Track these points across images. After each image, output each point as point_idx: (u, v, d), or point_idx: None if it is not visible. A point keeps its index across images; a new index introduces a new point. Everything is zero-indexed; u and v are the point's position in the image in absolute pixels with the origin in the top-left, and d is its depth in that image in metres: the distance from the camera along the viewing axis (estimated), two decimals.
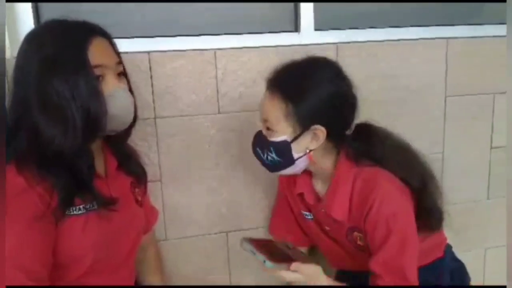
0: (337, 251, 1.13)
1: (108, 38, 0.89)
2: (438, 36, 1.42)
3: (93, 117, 0.81)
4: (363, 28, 1.38)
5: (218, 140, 1.30)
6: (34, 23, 1.18)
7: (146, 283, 1.18)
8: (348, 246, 1.08)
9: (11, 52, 1.13)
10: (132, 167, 1.03)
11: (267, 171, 1.32)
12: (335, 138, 0.99)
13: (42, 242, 0.78)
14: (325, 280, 0.95)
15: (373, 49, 1.35)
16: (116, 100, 0.86)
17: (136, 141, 1.22)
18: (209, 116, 1.28)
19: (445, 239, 1.21)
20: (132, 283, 1.06)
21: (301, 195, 1.11)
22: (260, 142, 1.01)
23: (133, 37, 1.21)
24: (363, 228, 0.98)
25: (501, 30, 1.46)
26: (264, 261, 0.89)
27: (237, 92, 1.29)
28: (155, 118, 1.24)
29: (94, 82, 0.81)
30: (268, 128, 0.97)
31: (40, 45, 0.81)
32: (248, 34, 1.30)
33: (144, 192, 1.10)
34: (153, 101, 1.23)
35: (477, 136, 1.51)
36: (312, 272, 0.92)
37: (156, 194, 1.27)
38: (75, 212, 0.83)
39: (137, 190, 1.04)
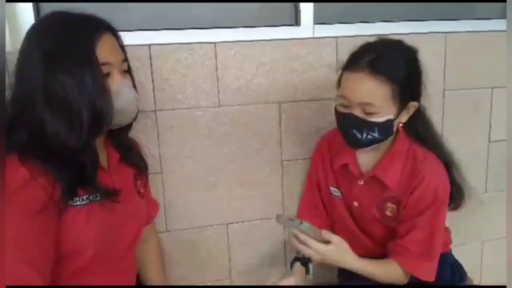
0: (355, 234, 1.18)
1: (116, 34, 0.90)
2: (437, 30, 1.43)
3: (100, 113, 0.82)
4: (363, 22, 1.39)
5: (218, 132, 1.31)
6: (34, 13, 1.18)
7: (147, 275, 1.18)
8: (372, 221, 1.13)
9: (11, 44, 1.13)
10: (134, 159, 1.04)
11: (266, 164, 1.34)
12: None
13: (44, 234, 0.77)
14: (352, 257, 1.03)
15: None
16: (121, 96, 0.87)
17: (136, 133, 1.23)
18: (209, 108, 1.28)
19: (451, 240, 1.27)
20: (134, 275, 1.07)
21: (344, 166, 1.16)
22: (358, 124, 1.00)
23: (133, 30, 1.22)
24: (402, 200, 1.07)
25: (499, 24, 1.47)
26: (301, 223, 0.97)
27: (237, 85, 1.29)
28: (155, 110, 1.25)
29: (101, 79, 0.82)
30: (368, 111, 0.98)
31: (46, 37, 0.81)
32: (248, 27, 1.30)
33: (145, 184, 1.11)
34: (153, 94, 1.24)
35: (475, 130, 1.52)
36: (342, 247, 1.02)
37: (156, 186, 1.28)
38: (78, 203, 0.84)
39: (139, 182, 1.05)
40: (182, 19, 1.28)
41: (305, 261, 1.15)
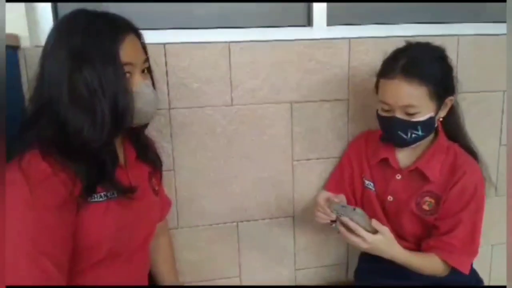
0: (386, 221, 1.20)
1: (139, 34, 0.91)
2: (449, 33, 1.43)
3: (121, 113, 0.83)
4: (376, 23, 1.39)
5: (230, 131, 1.32)
6: (52, 10, 1.20)
7: (158, 271, 1.20)
8: (405, 215, 1.16)
9: (30, 40, 1.15)
10: (150, 157, 1.06)
11: (278, 163, 1.35)
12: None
13: (63, 229, 0.78)
14: (397, 248, 1.06)
15: (385, 45, 1.34)
16: (142, 96, 0.88)
17: (150, 131, 1.24)
18: (222, 107, 1.30)
19: None
20: (147, 270, 1.08)
21: (382, 160, 1.21)
22: (402, 125, 1.07)
23: (149, 29, 1.21)
24: (441, 194, 1.11)
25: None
26: (354, 209, 0.99)
27: (250, 85, 1.30)
28: (169, 109, 1.26)
29: (123, 79, 0.84)
30: (409, 112, 1.05)
31: (73, 35, 0.81)
32: (261, 27, 1.31)
33: (159, 181, 1.12)
34: (168, 92, 1.25)
35: (486, 133, 1.52)
36: (389, 237, 1.03)
37: (169, 183, 1.29)
38: (96, 199, 0.85)
39: (153, 180, 1.06)
40: (196, 19, 1.29)
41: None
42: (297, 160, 1.39)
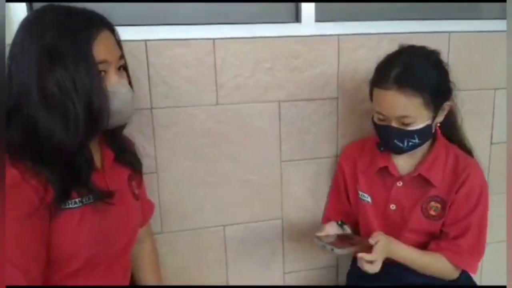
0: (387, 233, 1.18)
1: (113, 30, 0.87)
2: (440, 30, 1.40)
3: (96, 114, 0.80)
4: (365, 20, 1.36)
5: (215, 131, 1.27)
6: (28, 8, 1.14)
7: (141, 278, 1.15)
8: (412, 220, 1.14)
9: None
10: (128, 158, 1.01)
11: (265, 164, 1.31)
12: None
13: (35, 238, 0.76)
14: (403, 246, 1.09)
15: (375, 42, 1.33)
16: (118, 96, 0.85)
17: (131, 132, 1.19)
18: (207, 107, 1.25)
19: None
20: (127, 279, 1.04)
21: (381, 169, 1.18)
22: (398, 135, 1.06)
23: (129, 25, 1.17)
24: (446, 198, 1.11)
25: (503, 25, 1.45)
26: (332, 250, 1.01)
27: (236, 83, 1.26)
28: (151, 108, 1.22)
29: (97, 78, 0.80)
30: (405, 122, 1.03)
31: (42, 33, 0.77)
32: (248, 24, 1.27)
33: (140, 184, 1.08)
34: (149, 91, 1.20)
35: (477, 131, 1.50)
36: (387, 238, 1.06)
37: (151, 186, 1.25)
38: (71, 206, 0.81)
39: (133, 183, 1.02)
40: (180, 14, 1.24)
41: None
42: (285, 161, 1.35)
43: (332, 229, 1.13)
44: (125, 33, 1.14)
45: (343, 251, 1.02)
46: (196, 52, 1.21)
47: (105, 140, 0.96)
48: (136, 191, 1.02)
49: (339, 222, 1.20)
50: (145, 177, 1.21)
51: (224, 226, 1.35)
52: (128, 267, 1.03)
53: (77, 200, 0.82)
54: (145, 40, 1.17)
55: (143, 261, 1.16)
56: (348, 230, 1.19)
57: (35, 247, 0.75)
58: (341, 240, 1.08)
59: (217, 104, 1.26)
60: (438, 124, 1.11)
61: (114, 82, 0.84)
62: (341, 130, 1.38)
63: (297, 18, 1.31)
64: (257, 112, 1.29)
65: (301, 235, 1.42)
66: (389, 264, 1.13)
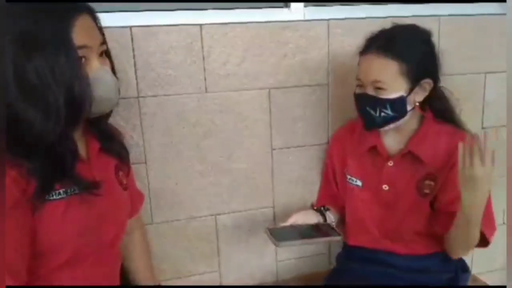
0: (374, 220, 1.18)
1: (93, 15, 0.83)
2: (430, 13, 1.38)
3: (78, 100, 0.77)
4: (355, 4, 1.34)
5: (204, 120, 1.25)
6: None
7: (132, 268, 1.14)
8: (406, 200, 1.13)
9: None
10: (115, 148, 0.98)
11: (256, 152, 1.30)
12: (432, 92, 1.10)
13: (18, 231, 0.74)
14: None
15: (365, 26, 1.29)
16: (101, 82, 0.82)
17: (119, 121, 1.17)
18: (195, 95, 1.23)
19: None
20: (117, 270, 1.02)
21: (371, 149, 1.17)
22: (371, 102, 1.05)
23: (114, 11, 1.14)
24: (439, 175, 1.09)
25: (494, 8, 1.44)
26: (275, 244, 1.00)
27: (225, 70, 1.24)
28: (138, 97, 1.19)
29: (78, 64, 0.77)
30: (379, 88, 1.03)
31: (17, 19, 0.74)
32: (236, 9, 1.24)
33: (128, 174, 1.06)
34: (136, 80, 1.18)
35: (467, 116, 1.48)
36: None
37: (141, 176, 1.23)
38: (54, 197, 0.79)
39: (121, 173, 1.00)
40: None
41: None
42: (276, 149, 1.34)
43: (303, 217, 1.11)
44: (109, 19, 1.10)
45: (286, 244, 1.01)
46: (183, 38, 1.19)
47: (90, 129, 0.93)
48: (124, 181, 1.00)
49: (322, 208, 1.19)
50: (134, 167, 1.19)
51: (215, 215, 1.33)
52: (118, 258, 1.02)
53: (61, 191, 0.80)
54: (130, 27, 1.14)
55: (134, 251, 1.14)
56: (330, 216, 1.18)
57: (18, 241, 0.74)
58: (305, 230, 1.06)
59: (206, 92, 1.24)
60: (417, 103, 1.08)
61: (96, 68, 0.81)
62: (332, 116, 1.36)
63: (286, 3, 1.28)
64: (247, 99, 1.27)
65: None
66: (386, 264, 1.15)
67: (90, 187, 0.84)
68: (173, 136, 1.24)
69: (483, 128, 1.52)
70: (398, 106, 1.04)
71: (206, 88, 1.23)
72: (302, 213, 1.14)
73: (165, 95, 1.20)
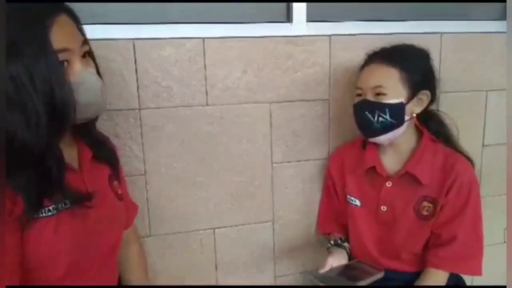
0: (375, 240, 1.18)
1: (72, 14, 0.78)
2: (432, 31, 1.39)
3: (60, 109, 0.72)
4: (357, 21, 1.34)
5: (205, 133, 1.25)
6: None
7: (129, 280, 1.11)
8: (401, 223, 1.13)
9: None
10: (107, 155, 0.95)
11: (256, 166, 1.29)
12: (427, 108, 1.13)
13: (5, 252, 0.70)
14: None
15: (367, 43, 1.31)
16: (86, 87, 0.77)
17: (119, 133, 1.17)
18: (196, 107, 1.23)
19: None
20: (115, 282, 1.00)
21: (370, 169, 1.17)
22: (370, 106, 1.07)
23: (117, 24, 1.15)
24: (438, 198, 1.09)
25: (496, 26, 1.44)
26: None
27: (226, 84, 1.24)
28: (139, 109, 1.19)
29: (58, 68, 0.72)
30: (379, 94, 1.06)
31: None
32: (238, 23, 1.25)
33: (120, 182, 1.02)
34: (138, 91, 1.18)
35: (469, 133, 1.49)
36: None
37: (140, 188, 1.22)
38: (44, 215, 0.75)
39: (115, 182, 0.97)
40: (169, 13, 1.21)
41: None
42: (277, 163, 1.33)
43: (336, 260, 1.11)
44: (113, 31, 1.13)
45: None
46: (185, 51, 1.19)
47: (80, 136, 0.89)
48: (119, 191, 0.97)
49: (339, 241, 1.20)
50: (133, 179, 1.19)
51: (214, 228, 1.32)
52: (115, 272, 1.00)
53: (51, 207, 0.76)
54: (133, 39, 1.15)
55: (130, 264, 1.12)
56: (347, 245, 1.20)
57: (5, 261, 0.69)
58: (344, 272, 1.08)
59: (207, 105, 1.24)
60: (414, 115, 1.09)
61: (79, 71, 0.76)
62: (333, 131, 1.36)
63: (288, 18, 1.29)
64: (247, 113, 1.27)
65: (293, 238, 1.40)
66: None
67: (82, 200, 0.80)
68: (173, 148, 1.23)
69: (484, 145, 1.52)
70: (397, 113, 1.06)
71: (207, 101, 1.23)
72: (335, 256, 1.13)
73: (166, 107, 1.20)
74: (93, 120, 0.90)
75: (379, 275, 1.07)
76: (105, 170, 0.94)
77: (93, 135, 0.92)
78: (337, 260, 1.12)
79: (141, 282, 1.14)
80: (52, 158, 0.75)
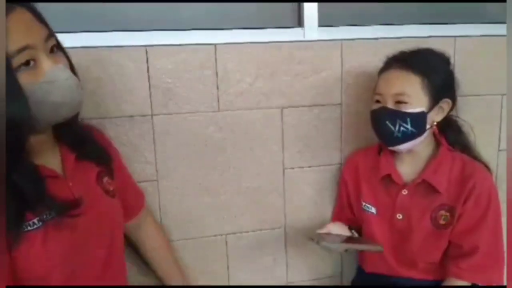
0: (390, 248, 1.16)
1: (29, 8, 0.69)
2: (446, 34, 1.37)
3: (16, 123, 0.64)
4: (369, 25, 1.33)
5: (217, 138, 1.25)
6: None
7: (152, 260, 1.15)
8: (421, 230, 1.10)
9: None
10: (92, 152, 0.88)
11: (268, 172, 1.28)
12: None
13: None
14: None
15: (379, 47, 1.30)
16: (57, 84, 0.70)
17: (132, 139, 1.18)
18: (209, 113, 1.23)
19: None
20: (124, 278, 0.99)
21: (385, 177, 1.15)
22: (391, 115, 1.04)
23: (129, 31, 1.16)
24: (455, 207, 1.07)
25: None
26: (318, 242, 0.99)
27: (237, 89, 1.24)
28: (151, 115, 1.19)
29: (10, 78, 0.64)
30: (400, 102, 1.03)
31: None
32: (249, 29, 1.25)
33: (118, 174, 0.98)
34: (150, 97, 1.18)
35: (484, 138, 1.46)
36: None
37: (152, 194, 1.22)
38: (30, 228, 0.71)
39: (106, 179, 0.91)
40: (180, 19, 1.22)
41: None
42: (288, 168, 1.32)
43: (337, 228, 1.10)
44: (126, 38, 1.14)
45: (333, 246, 1.00)
46: (197, 57, 1.19)
47: (61, 137, 0.82)
48: (111, 188, 0.91)
49: (348, 226, 1.18)
50: (146, 185, 1.19)
51: (226, 234, 1.32)
52: (121, 271, 0.97)
53: (35, 220, 0.72)
54: (146, 46, 1.15)
55: (149, 240, 1.13)
56: (355, 234, 1.16)
57: None
58: (345, 239, 1.06)
59: (218, 110, 1.24)
60: (435, 123, 1.08)
61: (48, 68, 0.69)
62: (345, 136, 1.35)
63: (299, 23, 1.29)
64: (259, 118, 1.27)
65: (304, 243, 1.39)
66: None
67: (68, 208, 0.75)
68: (185, 154, 1.24)
69: (499, 150, 1.49)
70: (419, 122, 1.03)
71: (219, 107, 1.23)
72: (337, 224, 1.13)
73: (178, 113, 1.21)
74: (74, 118, 0.81)
75: (377, 247, 1.05)
76: (92, 169, 0.88)
77: (74, 134, 0.84)
78: (338, 228, 1.11)
79: (164, 258, 1.16)
80: (22, 177, 0.69)
